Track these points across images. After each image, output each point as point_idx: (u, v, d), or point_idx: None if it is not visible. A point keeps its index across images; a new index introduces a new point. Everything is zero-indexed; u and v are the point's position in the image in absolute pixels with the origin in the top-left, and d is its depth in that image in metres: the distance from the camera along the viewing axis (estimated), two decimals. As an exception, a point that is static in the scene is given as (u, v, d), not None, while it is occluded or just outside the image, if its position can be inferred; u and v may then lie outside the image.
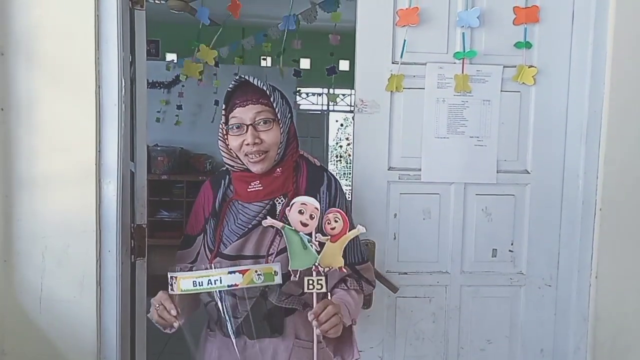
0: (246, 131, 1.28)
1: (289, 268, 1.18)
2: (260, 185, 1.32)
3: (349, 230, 1.20)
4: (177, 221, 5.01)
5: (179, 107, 5.47)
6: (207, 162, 5.39)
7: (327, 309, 1.17)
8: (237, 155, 1.33)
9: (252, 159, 1.30)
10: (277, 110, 1.30)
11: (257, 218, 1.30)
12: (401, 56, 1.61)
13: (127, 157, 1.60)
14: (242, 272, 1.17)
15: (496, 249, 1.74)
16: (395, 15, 1.63)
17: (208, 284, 1.17)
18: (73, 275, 1.48)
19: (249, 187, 1.32)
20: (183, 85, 5.47)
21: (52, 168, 1.47)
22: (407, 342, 1.73)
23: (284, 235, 1.18)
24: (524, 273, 1.75)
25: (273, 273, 1.18)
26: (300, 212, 1.18)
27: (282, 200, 1.33)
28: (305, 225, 1.17)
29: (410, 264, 1.71)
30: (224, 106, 1.33)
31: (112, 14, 1.47)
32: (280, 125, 1.30)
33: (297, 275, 1.18)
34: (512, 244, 1.74)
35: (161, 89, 5.49)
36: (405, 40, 1.61)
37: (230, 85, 1.32)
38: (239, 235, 1.31)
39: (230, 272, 1.17)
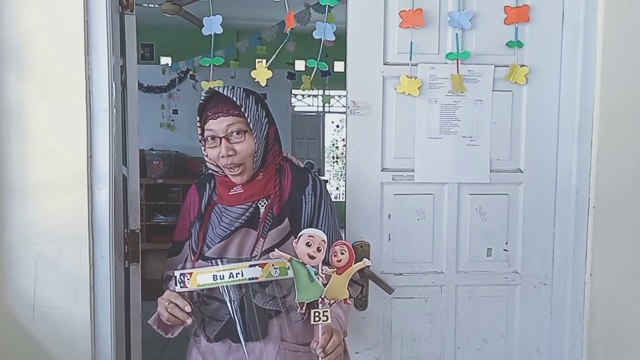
0: (220, 143, 1.29)
1: (296, 301, 1.18)
2: (241, 189, 1.33)
3: (355, 262, 1.20)
4: (173, 225, 4.91)
5: (175, 112, 5.46)
6: (203, 165, 5.37)
7: (332, 339, 1.18)
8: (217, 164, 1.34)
9: (231, 172, 1.31)
10: (249, 120, 1.29)
11: (239, 220, 1.31)
12: (410, 58, 1.62)
13: (119, 161, 1.60)
14: (261, 265, 1.19)
15: (491, 249, 1.74)
16: (387, 16, 1.62)
17: (230, 277, 1.18)
18: (66, 282, 1.48)
19: (231, 191, 1.34)
20: (178, 90, 5.47)
21: (43, 174, 1.46)
22: (403, 343, 1.73)
23: (292, 268, 1.18)
24: (519, 272, 1.75)
25: (287, 267, 1.19)
26: (307, 244, 1.17)
27: (264, 203, 1.34)
28: (312, 257, 1.17)
29: (405, 265, 1.71)
30: (198, 118, 1.33)
31: (102, 19, 1.47)
32: (254, 135, 1.30)
33: (304, 308, 1.19)
34: (506, 243, 1.74)
35: (159, 94, 5.48)
36: (412, 42, 1.61)
37: (202, 98, 1.32)
38: (221, 238, 1.31)
39: (251, 266, 1.19)
